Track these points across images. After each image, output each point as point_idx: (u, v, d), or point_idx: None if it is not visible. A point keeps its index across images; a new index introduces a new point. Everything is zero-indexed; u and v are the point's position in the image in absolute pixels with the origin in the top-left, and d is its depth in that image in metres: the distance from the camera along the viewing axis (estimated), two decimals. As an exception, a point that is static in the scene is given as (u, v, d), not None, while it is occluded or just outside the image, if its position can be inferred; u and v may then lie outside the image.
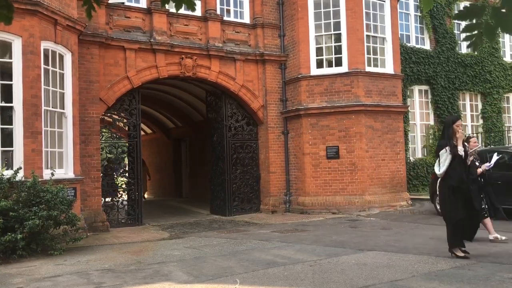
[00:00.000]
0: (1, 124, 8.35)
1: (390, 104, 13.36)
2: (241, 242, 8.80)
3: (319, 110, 13.06)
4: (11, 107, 8.39)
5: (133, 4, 12.08)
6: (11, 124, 8.40)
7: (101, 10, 11.15)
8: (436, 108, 17.30)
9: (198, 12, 12.89)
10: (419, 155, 16.95)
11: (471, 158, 7.30)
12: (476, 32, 2.75)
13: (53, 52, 9.38)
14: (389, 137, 13.35)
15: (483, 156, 10.01)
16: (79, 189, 9.88)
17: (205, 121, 15.41)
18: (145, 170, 20.57)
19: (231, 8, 13.82)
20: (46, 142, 9.03)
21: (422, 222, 10.65)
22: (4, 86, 8.46)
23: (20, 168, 8.06)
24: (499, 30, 2.64)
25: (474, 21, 2.72)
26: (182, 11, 11.88)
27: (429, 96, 17.37)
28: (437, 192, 7.09)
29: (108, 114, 11.92)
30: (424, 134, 17.18)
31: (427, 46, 17.42)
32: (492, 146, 16.84)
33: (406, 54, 16.38)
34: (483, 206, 7.73)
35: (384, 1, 13.60)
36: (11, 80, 8.43)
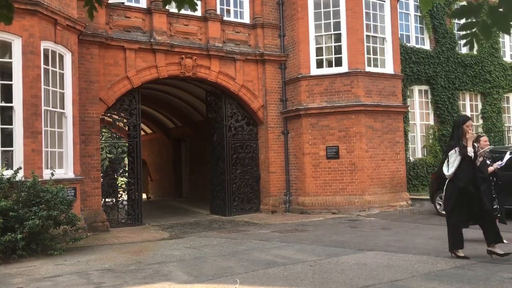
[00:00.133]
0: (1, 124, 8.35)
1: (390, 104, 13.36)
2: (241, 242, 8.80)
3: (319, 110, 13.06)
4: (11, 107, 8.39)
5: (133, 4, 12.08)
6: (11, 124, 8.40)
7: (101, 10, 11.14)
8: (436, 108, 17.30)
9: (198, 12, 12.87)
10: (419, 155, 16.95)
11: (480, 159, 7.19)
12: (473, 30, 2.75)
13: (53, 52, 9.38)
14: (389, 137, 13.35)
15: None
16: (79, 189, 9.88)
17: (205, 121, 15.41)
18: (146, 170, 20.60)
19: (231, 8, 13.82)
20: (46, 142, 9.03)
21: (422, 222, 10.65)
22: (4, 86, 8.46)
23: (20, 168, 8.06)
24: (496, 29, 2.64)
25: (470, 19, 2.72)
26: (182, 11, 11.88)
27: (429, 96, 17.37)
28: (443, 192, 6.96)
29: (108, 114, 11.92)
30: (424, 134, 17.19)
31: (427, 46, 17.43)
32: (492, 146, 16.81)
33: (406, 54, 16.38)
34: (495, 206, 7.61)
35: (384, 1, 13.60)
36: (11, 80, 8.43)
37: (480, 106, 18.76)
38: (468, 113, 18.42)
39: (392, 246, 7.79)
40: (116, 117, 12.03)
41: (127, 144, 12.69)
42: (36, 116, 8.52)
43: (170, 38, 12.32)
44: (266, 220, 12.19)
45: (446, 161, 6.85)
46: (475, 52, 18.37)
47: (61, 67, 9.66)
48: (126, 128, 12.73)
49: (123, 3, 11.87)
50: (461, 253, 6.61)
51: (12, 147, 8.38)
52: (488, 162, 7.82)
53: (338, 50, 13.27)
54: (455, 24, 18.12)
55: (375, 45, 13.48)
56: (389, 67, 13.60)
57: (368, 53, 13.27)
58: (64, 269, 6.83)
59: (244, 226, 11.32)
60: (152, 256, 7.71)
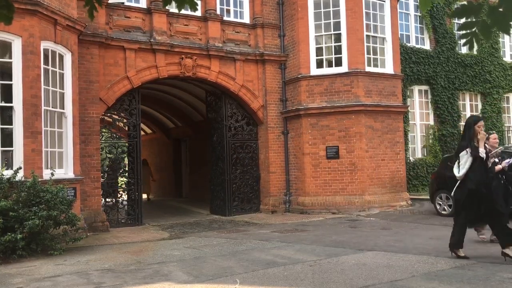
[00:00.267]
0: (1, 124, 8.35)
1: (390, 104, 13.36)
2: (241, 242, 8.80)
3: (319, 110, 13.06)
4: (11, 107, 8.39)
5: (133, 4, 12.08)
6: (11, 124, 8.40)
7: (101, 10, 11.13)
8: (436, 108, 17.30)
9: (198, 12, 12.87)
10: (419, 155, 16.95)
11: (492, 160, 7.10)
12: (472, 30, 2.75)
13: (53, 52, 9.38)
14: (389, 137, 13.35)
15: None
16: (79, 189, 9.88)
17: (205, 121, 15.41)
18: (147, 170, 20.61)
19: (231, 8, 13.82)
20: (46, 142, 9.03)
21: (422, 222, 10.65)
22: (4, 86, 8.47)
23: (20, 168, 8.06)
24: (495, 29, 2.64)
25: (470, 19, 2.72)
26: (182, 11, 11.87)
27: (429, 96, 17.37)
28: (454, 189, 6.83)
29: (108, 114, 11.92)
30: (424, 134, 17.18)
31: (427, 46, 17.43)
32: (502, 146, 16.79)
33: (406, 54, 16.38)
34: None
35: (384, 1, 13.60)
36: (11, 80, 8.43)
37: (480, 106, 18.76)
38: (468, 113, 18.41)
39: (392, 246, 7.78)
40: (116, 117, 12.03)
41: (127, 144, 12.69)
42: (36, 116, 8.52)
43: (170, 38, 12.32)
44: (266, 220, 12.19)
45: (456, 162, 6.74)
46: (475, 52, 18.37)
47: (61, 67, 9.66)
48: (126, 128, 12.73)
49: (123, 3, 11.87)
50: (461, 252, 6.60)
51: (12, 147, 8.38)
52: (496, 160, 7.67)
53: (338, 50, 13.27)
54: (455, 24, 18.12)
55: (375, 45, 13.48)
56: (389, 67, 13.60)
57: (368, 53, 13.27)
58: (64, 269, 6.84)
59: (244, 226, 11.32)
60: (152, 256, 7.72)
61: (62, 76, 9.68)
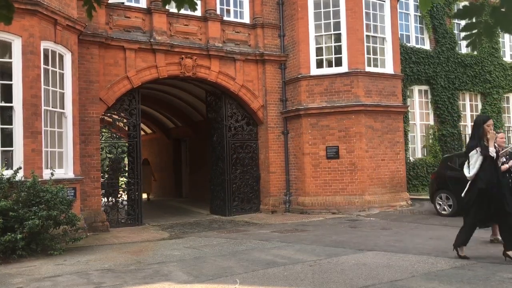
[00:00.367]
0: (1, 124, 8.35)
1: (390, 104, 13.36)
2: (241, 242, 8.80)
3: (319, 110, 13.06)
4: (11, 107, 8.39)
5: (133, 4, 12.08)
6: (11, 124, 8.40)
7: (101, 10, 11.14)
8: (436, 108, 17.30)
9: (198, 12, 12.88)
10: (419, 155, 16.95)
11: (502, 159, 7.00)
12: (475, 31, 2.75)
13: (53, 52, 9.38)
14: (389, 137, 13.35)
15: None
16: (79, 189, 9.88)
17: (205, 121, 15.41)
18: (149, 170, 20.62)
19: (231, 8, 13.82)
20: (46, 142, 9.03)
21: (422, 222, 10.65)
22: (4, 86, 8.47)
23: (20, 168, 8.06)
24: (499, 29, 2.64)
25: (473, 20, 2.72)
26: (182, 11, 11.88)
27: (429, 96, 17.37)
28: (465, 191, 6.69)
29: (108, 114, 11.92)
30: (424, 134, 17.19)
31: (427, 46, 17.43)
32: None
33: (406, 54, 16.38)
34: None
35: (384, 1, 13.60)
36: (11, 80, 8.43)
37: (480, 106, 18.76)
38: (468, 113, 18.44)
39: (392, 246, 7.78)
40: (116, 117, 12.03)
41: (127, 144, 12.69)
42: (36, 116, 8.52)
43: (170, 38, 12.32)
44: (266, 220, 12.19)
45: (466, 163, 6.65)
46: (475, 52, 18.37)
47: (61, 67, 9.66)
48: (126, 128, 12.73)
49: (123, 3, 11.87)
50: (463, 252, 6.56)
51: (12, 147, 8.38)
52: (503, 159, 7.58)
53: (338, 50, 13.27)
54: (455, 24, 18.13)
55: (375, 45, 13.48)
56: (389, 67, 13.60)
57: (368, 53, 13.27)
58: (64, 269, 6.84)
59: (244, 226, 11.32)
60: (152, 256, 7.71)
61: (62, 76, 9.68)
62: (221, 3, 13.53)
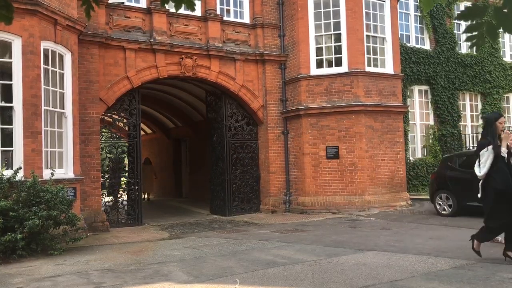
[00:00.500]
0: (1, 124, 8.35)
1: (390, 104, 13.36)
2: (241, 242, 8.80)
3: (319, 110, 13.06)
4: (11, 107, 8.39)
5: (133, 4, 12.08)
6: (11, 124, 8.40)
7: (101, 10, 11.16)
8: (436, 108, 17.30)
9: (198, 12, 12.89)
10: (419, 155, 16.95)
11: None
12: (478, 32, 2.75)
13: (53, 52, 9.38)
14: (389, 137, 13.35)
15: None
16: (79, 189, 9.88)
17: (205, 121, 15.41)
18: (151, 169, 20.64)
19: (231, 8, 13.82)
20: (46, 142, 9.03)
21: (422, 222, 10.65)
22: (4, 86, 8.47)
23: (20, 168, 8.06)
24: (501, 30, 2.64)
25: (476, 21, 2.72)
26: (182, 11, 11.89)
27: (429, 96, 17.37)
28: (479, 192, 6.47)
29: (108, 114, 11.92)
30: (424, 134, 17.18)
31: (427, 46, 17.43)
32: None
33: (406, 54, 16.38)
34: None
35: (384, 1, 13.60)
36: (11, 80, 8.43)
37: (480, 106, 18.76)
38: (468, 113, 18.43)
39: (392, 246, 7.78)
40: (116, 117, 12.03)
41: (127, 144, 12.69)
42: (36, 116, 8.52)
43: (170, 38, 12.32)
44: (266, 220, 12.19)
45: (477, 161, 6.44)
46: (475, 52, 18.36)
47: (61, 67, 9.66)
48: (126, 128, 12.73)
49: (123, 3, 11.87)
50: (479, 247, 6.34)
51: (12, 147, 8.38)
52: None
53: (338, 50, 13.26)
54: (455, 24, 18.13)
55: (375, 45, 13.48)
56: (389, 67, 13.60)
57: (368, 53, 13.27)
58: (64, 269, 6.84)
59: (244, 226, 11.31)
60: (152, 256, 7.71)
61: (62, 76, 9.68)
62: (221, 3, 13.53)
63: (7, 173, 8.02)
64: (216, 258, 7.33)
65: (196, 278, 6.04)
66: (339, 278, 5.75)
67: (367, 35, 13.23)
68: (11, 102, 8.39)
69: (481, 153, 6.37)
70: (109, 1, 11.38)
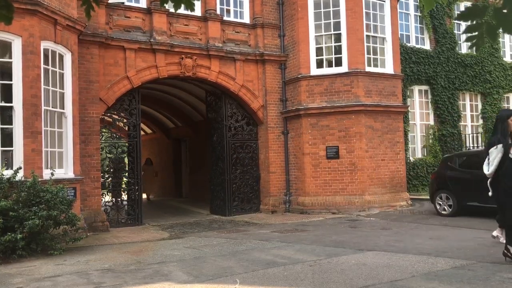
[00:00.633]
0: (1, 124, 8.35)
1: (390, 104, 13.36)
2: (241, 242, 8.80)
3: (319, 110, 13.06)
4: (11, 107, 8.39)
5: (133, 4, 12.08)
6: (11, 124, 8.40)
7: (101, 10, 11.15)
8: (436, 108, 17.30)
9: (198, 12, 12.89)
10: (419, 155, 16.95)
11: None
12: (478, 32, 2.75)
13: (53, 52, 9.38)
14: (389, 137, 13.35)
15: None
16: (79, 189, 9.88)
17: (205, 121, 15.41)
18: (151, 170, 20.64)
19: (231, 8, 13.82)
20: (46, 142, 9.03)
21: (422, 222, 10.65)
22: (4, 86, 8.47)
23: (20, 168, 8.06)
24: (501, 30, 2.64)
25: (475, 21, 2.72)
26: (182, 11, 11.90)
27: (429, 96, 17.37)
28: (491, 191, 6.36)
29: (108, 114, 11.92)
30: (424, 134, 17.18)
31: (427, 46, 17.42)
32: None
33: (406, 54, 16.38)
34: None
35: (384, 1, 13.60)
36: (11, 80, 8.43)
37: (480, 106, 18.76)
38: (468, 113, 18.43)
39: (392, 246, 7.78)
40: (116, 117, 12.03)
41: (127, 144, 12.70)
42: (36, 116, 8.52)
43: (170, 38, 12.32)
44: (266, 220, 12.19)
45: (486, 159, 6.29)
46: (475, 52, 18.36)
47: (61, 67, 9.66)
48: (126, 128, 12.73)
49: (123, 3, 11.87)
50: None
51: (12, 147, 8.38)
52: None
53: (338, 50, 13.26)
54: (455, 24, 18.12)
55: (375, 45, 13.48)
56: (389, 67, 13.59)
57: (368, 53, 13.27)
58: (64, 269, 6.83)
59: (244, 226, 11.31)
60: (152, 256, 7.71)
61: (62, 76, 9.68)
62: (221, 3, 13.53)
63: (7, 173, 8.02)
64: (216, 258, 7.33)
65: (196, 278, 6.04)
66: (339, 278, 5.75)
67: (367, 35, 13.23)
68: (11, 102, 8.39)
69: (490, 151, 6.26)
70: (109, 1, 11.39)
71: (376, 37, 13.51)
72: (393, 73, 13.61)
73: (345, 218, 11.82)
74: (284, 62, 13.96)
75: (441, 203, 11.56)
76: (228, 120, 13.69)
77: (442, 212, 11.48)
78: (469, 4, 16.72)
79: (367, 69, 13.10)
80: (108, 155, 11.92)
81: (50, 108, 9.23)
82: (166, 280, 6.03)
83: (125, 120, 12.13)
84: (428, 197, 12.72)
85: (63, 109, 9.65)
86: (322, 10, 13.33)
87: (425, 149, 17.11)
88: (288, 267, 6.50)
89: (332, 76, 13.10)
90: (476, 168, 10.84)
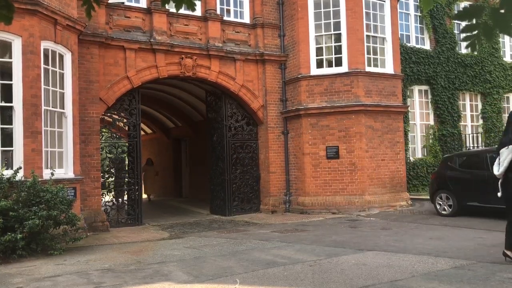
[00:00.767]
0: (1, 124, 8.35)
1: (390, 104, 13.36)
2: (241, 242, 8.80)
3: (319, 110, 13.06)
4: (11, 107, 8.39)
5: (133, 4, 12.08)
6: (11, 124, 8.40)
7: (101, 10, 11.15)
8: (436, 108, 17.30)
9: (198, 12, 12.89)
10: (419, 155, 16.95)
11: None
12: (475, 32, 2.75)
13: (53, 52, 9.38)
14: (389, 137, 13.35)
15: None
16: (79, 189, 9.88)
17: (205, 121, 15.41)
18: (152, 170, 20.64)
19: (231, 8, 13.82)
20: (46, 142, 9.03)
21: (422, 222, 10.65)
22: (4, 86, 8.46)
23: (20, 168, 8.06)
24: (497, 30, 2.64)
25: (473, 21, 2.72)
26: (182, 11, 11.88)
27: (429, 96, 17.37)
28: (500, 191, 6.26)
29: (108, 114, 11.92)
30: (424, 134, 17.19)
31: (427, 46, 17.42)
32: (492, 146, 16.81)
33: (406, 54, 16.38)
34: None
35: (384, 1, 13.60)
36: (11, 80, 8.43)
37: (480, 106, 18.76)
38: (468, 113, 18.43)
39: (392, 246, 7.78)
40: (116, 117, 12.03)
41: (127, 144, 12.70)
42: (36, 116, 8.52)
43: (170, 38, 12.32)
44: (266, 220, 12.19)
45: (497, 159, 6.21)
46: (475, 52, 18.34)
47: (61, 67, 9.66)
48: (126, 128, 12.73)
49: (123, 3, 11.87)
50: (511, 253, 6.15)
51: (12, 147, 8.38)
52: None
53: (338, 50, 13.27)
54: (455, 24, 18.13)
55: (375, 45, 13.48)
56: (389, 67, 13.60)
57: (368, 53, 13.27)
58: (64, 269, 6.84)
59: (244, 226, 11.31)
60: (152, 256, 7.71)
61: (62, 76, 9.68)
62: (221, 3, 13.53)
63: (7, 173, 8.02)
64: (216, 258, 7.33)
65: (196, 278, 6.04)
66: (339, 278, 5.75)
67: (367, 35, 13.23)
68: (11, 102, 8.39)
69: (501, 151, 6.16)
70: (109, 1, 11.38)
71: (376, 37, 13.51)
72: (393, 73, 13.61)
73: (345, 218, 11.82)
74: (284, 62, 13.97)
75: (441, 203, 11.56)
76: (228, 120, 13.69)
77: (442, 212, 11.48)
78: (468, 4, 16.72)
79: (367, 69, 13.10)
80: (108, 155, 11.92)
81: (50, 108, 9.23)
82: (166, 280, 6.03)
83: (125, 120, 12.13)
84: (428, 197, 12.72)
85: (63, 109, 9.65)
86: (322, 10, 13.33)
87: (425, 149, 17.12)
88: (288, 267, 6.50)
89: (332, 76, 13.10)
90: (476, 168, 10.91)
